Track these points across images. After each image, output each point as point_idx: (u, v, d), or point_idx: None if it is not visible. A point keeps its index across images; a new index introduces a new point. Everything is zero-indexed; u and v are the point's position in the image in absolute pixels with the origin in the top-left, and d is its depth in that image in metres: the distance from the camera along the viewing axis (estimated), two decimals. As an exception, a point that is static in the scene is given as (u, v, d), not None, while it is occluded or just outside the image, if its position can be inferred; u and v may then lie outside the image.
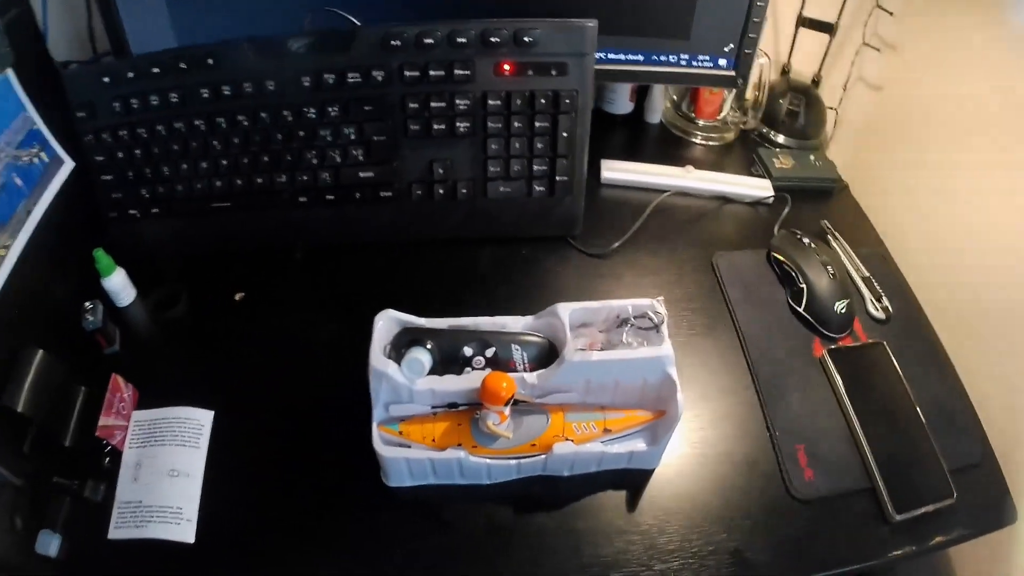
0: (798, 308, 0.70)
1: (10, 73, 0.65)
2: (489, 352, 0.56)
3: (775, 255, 0.74)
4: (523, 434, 0.56)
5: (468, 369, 0.56)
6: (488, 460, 0.56)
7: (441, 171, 0.69)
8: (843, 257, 0.76)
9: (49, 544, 0.54)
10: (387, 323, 0.57)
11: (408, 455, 0.55)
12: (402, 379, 0.54)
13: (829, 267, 0.70)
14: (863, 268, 0.75)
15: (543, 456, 0.56)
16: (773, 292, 0.73)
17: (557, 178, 0.71)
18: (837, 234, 0.78)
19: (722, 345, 0.69)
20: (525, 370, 0.56)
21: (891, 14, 0.83)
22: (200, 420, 0.62)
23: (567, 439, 0.56)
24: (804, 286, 0.70)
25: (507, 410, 0.54)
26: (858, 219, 0.83)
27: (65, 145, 0.71)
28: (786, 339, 0.69)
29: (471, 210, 0.72)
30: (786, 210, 0.79)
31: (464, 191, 0.71)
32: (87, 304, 0.66)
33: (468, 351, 0.55)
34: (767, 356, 0.67)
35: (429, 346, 0.55)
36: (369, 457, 0.55)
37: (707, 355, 0.68)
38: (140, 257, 0.72)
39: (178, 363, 0.67)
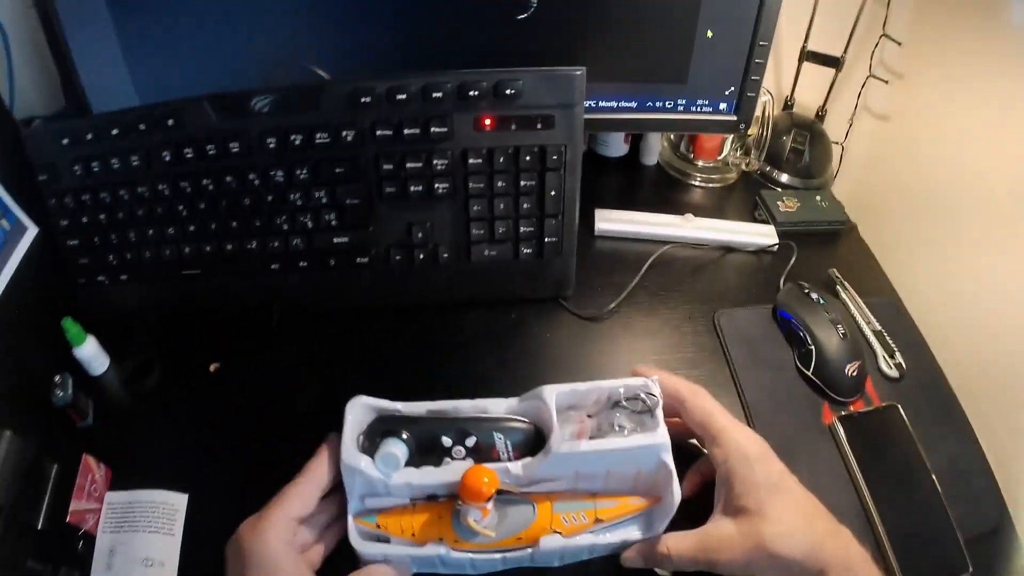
0: (806, 371, 0.64)
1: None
2: (470, 441, 0.51)
3: (781, 312, 0.68)
4: (507, 528, 0.50)
5: (447, 459, 0.51)
6: (471, 555, 0.50)
7: (420, 235, 0.63)
8: (853, 309, 0.69)
9: None
10: (360, 411, 0.52)
11: (387, 551, 0.50)
12: (377, 473, 0.49)
13: (839, 326, 0.64)
14: (875, 321, 0.69)
15: (530, 550, 0.50)
16: (779, 353, 0.66)
17: (546, 240, 0.64)
18: (846, 284, 0.72)
19: (725, 416, 0.62)
20: (509, 459, 0.51)
21: (899, 44, 0.76)
22: (174, 504, 0.57)
23: (555, 531, 0.50)
24: (812, 347, 0.64)
25: (490, 505, 0.48)
26: (867, 263, 0.77)
27: (28, 208, 0.66)
28: (794, 407, 0.63)
29: (454, 274, 0.66)
30: (792, 260, 0.73)
31: (446, 255, 0.64)
32: (56, 378, 0.61)
33: (447, 441, 0.51)
34: (773, 428, 0.61)
35: (405, 436, 0.50)
36: (349, 544, 0.50)
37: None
38: (112, 322, 0.66)
39: (152, 438, 0.62)
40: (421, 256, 0.64)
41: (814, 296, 0.67)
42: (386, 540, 0.50)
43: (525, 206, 0.63)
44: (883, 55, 0.80)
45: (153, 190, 0.62)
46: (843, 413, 0.61)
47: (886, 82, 0.80)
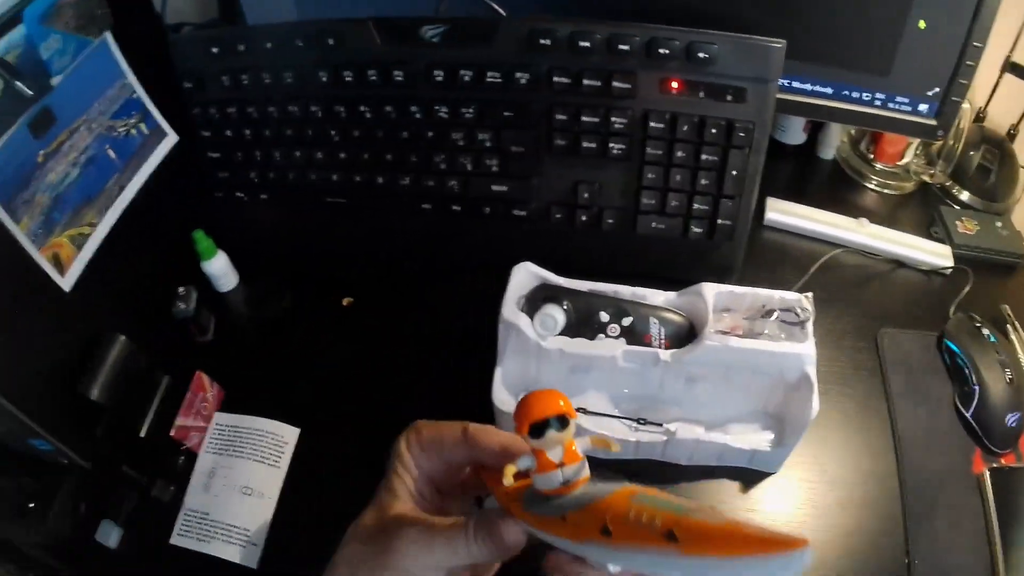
0: (964, 412, 0.58)
1: (108, 36, 0.58)
2: (626, 321, 0.52)
3: (948, 343, 0.61)
4: (570, 500, 0.31)
5: (601, 336, 0.52)
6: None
7: (587, 195, 0.59)
8: (1022, 354, 0.62)
9: (109, 535, 0.51)
10: (524, 276, 0.54)
11: None
12: (532, 334, 0.51)
13: (1008, 370, 0.58)
14: (1039, 369, 0.62)
15: (664, 438, 0.51)
16: (939, 387, 0.60)
17: (719, 221, 0.59)
18: (1018, 324, 0.64)
19: (873, 444, 0.56)
20: (661, 346, 0.52)
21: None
22: (284, 437, 0.56)
23: (604, 528, 0.28)
24: (976, 387, 0.58)
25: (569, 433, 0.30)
26: (1039, 305, 0.69)
27: (170, 117, 0.64)
28: (946, 448, 0.57)
29: (614, 243, 0.61)
30: (967, 288, 0.66)
31: (611, 221, 0.60)
32: (180, 290, 0.61)
33: (604, 316, 0.52)
34: (921, 466, 0.55)
35: (565, 306, 0.52)
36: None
37: (853, 455, 0.56)
38: (243, 243, 0.64)
39: (271, 365, 0.61)
40: (583, 218, 0.60)
41: (985, 332, 0.60)
42: None
43: (703, 182, 0.57)
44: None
45: (305, 110, 0.60)
46: (995, 465, 0.55)
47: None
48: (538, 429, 0.29)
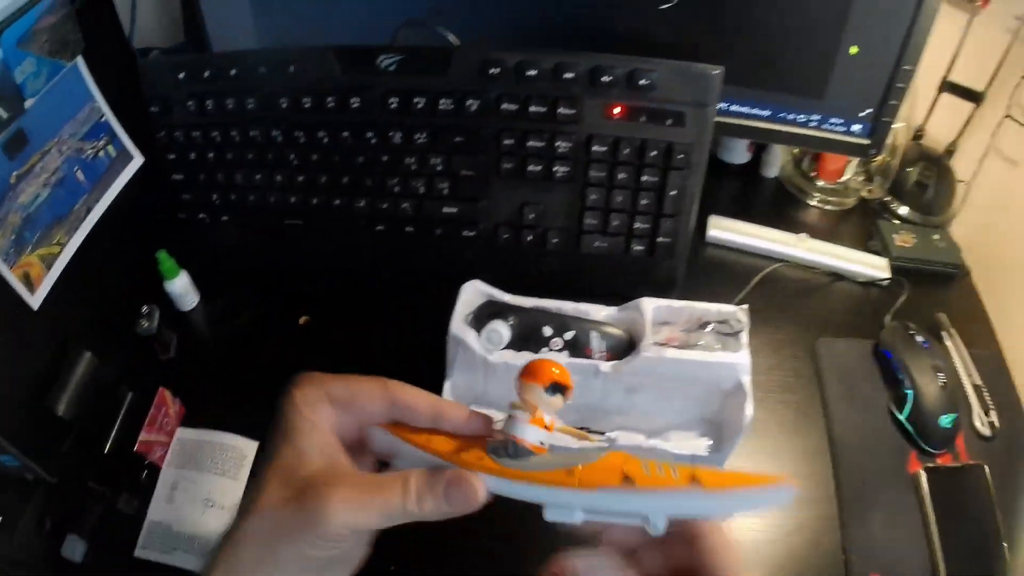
0: (899, 415, 0.62)
1: (80, 61, 0.60)
2: (568, 335, 0.56)
3: (883, 350, 0.65)
4: (561, 457, 0.34)
5: (545, 349, 0.55)
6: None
7: (532, 216, 0.62)
8: (956, 359, 0.66)
9: (75, 549, 0.53)
10: (472, 294, 0.57)
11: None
12: (479, 348, 0.54)
13: (940, 374, 0.62)
14: (976, 375, 0.66)
15: (605, 447, 0.51)
16: (874, 392, 0.64)
17: (659, 239, 0.63)
18: (952, 331, 0.69)
19: (810, 448, 0.60)
20: (602, 359, 0.55)
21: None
22: (243, 450, 0.58)
23: (626, 477, 0.33)
24: (910, 391, 0.61)
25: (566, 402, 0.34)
26: (976, 313, 0.73)
27: (136, 138, 0.66)
28: (880, 450, 0.61)
29: (559, 261, 0.65)
30: (902, 298, 0.70)
31: (555, 241, 0.63)
32: (143, 308, 0.63)
33: (548, 331, 0.55)
34: (856, 468, 0.59)
35: (511, 321, 0.55)
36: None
37: (791, 458, 0.60)
38: (206, 263, 0.68)
39: (231, 381, 0.63)
40: (529, 238, 0.63)
41: (919, 339, 0.64)
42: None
43: (643, 202, 0.61)
44: (1021, 96, 0.76)
45: (266, 135, 0.63)
46: (930, 465, 0.59)
47: (1023, 124, 0.76)
48: (549, 389, 0.33)
